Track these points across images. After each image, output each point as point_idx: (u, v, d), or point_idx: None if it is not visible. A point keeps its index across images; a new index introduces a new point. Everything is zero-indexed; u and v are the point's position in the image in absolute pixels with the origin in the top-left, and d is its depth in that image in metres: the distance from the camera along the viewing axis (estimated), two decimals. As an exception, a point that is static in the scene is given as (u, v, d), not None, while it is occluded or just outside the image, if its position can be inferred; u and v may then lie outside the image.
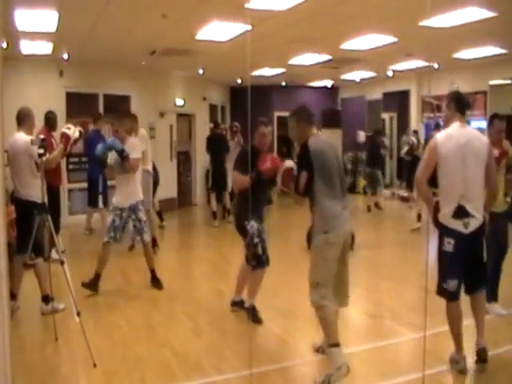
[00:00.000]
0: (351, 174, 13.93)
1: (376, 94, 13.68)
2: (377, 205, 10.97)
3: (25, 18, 6.13)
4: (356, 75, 12.20)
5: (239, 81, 12.51)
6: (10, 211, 4.95)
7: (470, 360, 3.56)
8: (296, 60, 9.75)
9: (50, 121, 6.43)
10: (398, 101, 13.30)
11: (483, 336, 3.58)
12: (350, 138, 14.36)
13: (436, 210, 3.53)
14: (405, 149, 9.66)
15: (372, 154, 11.07)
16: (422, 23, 6.48)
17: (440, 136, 3.53)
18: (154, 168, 7.33)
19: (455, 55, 9.29)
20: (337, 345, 3.39)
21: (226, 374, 3.57)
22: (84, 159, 8.71)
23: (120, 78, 10.15)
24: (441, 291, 3.50)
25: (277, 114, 13.71)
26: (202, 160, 12.39)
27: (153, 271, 5.58)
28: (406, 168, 9.91)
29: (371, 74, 11.95)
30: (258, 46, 7.95)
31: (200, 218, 11.52)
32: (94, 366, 3.62)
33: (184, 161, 12.10)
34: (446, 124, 3.63)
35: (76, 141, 4.95)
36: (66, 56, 8.63)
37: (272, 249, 4.61)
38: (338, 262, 3.49)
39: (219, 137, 9.84)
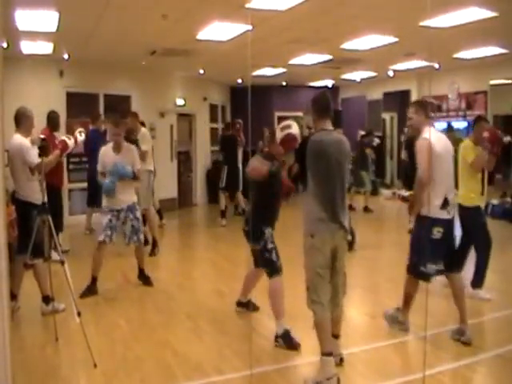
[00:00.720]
0: (350, 174, 13.85)
1: (376, 94, 13.67)
2: (366, 208, 10.72)
3: (25, 18, 6.14)
4: (356, 75, 12.19)
5: (240, 81, 12.49)
6: (11, 211, 4.95)
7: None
8: (296, 60, 9.74)
9: (53, 121, 6.41)
10: (399, 101, 13.26)
11: (466, 321, 3.92)
12: (351, 138, 14.26)
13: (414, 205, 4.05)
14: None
15: (358, 154, 10.80)
16: (422, 23, 6.49)
17: (432, 137, 3.84)
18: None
19: (455, 55, 9.28)
20: (329, 354, 3.30)
21: (227, 375, 3.57)
22: (84, 159, 8.71)
23: (120, 78, 10.16)
24: (416, 273, 4.04)
25: (277, 113, 13.67)
26: (202, 160, 12.41)
27: (142, 270, 5.69)
28: (403, 168, 9.81)
29: (372, 73, 11.94)
30: (258, 46, 7.95)
31: (200, 218, 11.52)
32: (95, 366, 3.63)
33: (184, 161, 12.09)
34: (417, 128, 4.06)
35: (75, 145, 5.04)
36: (66, 56, 8.63)
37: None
38: (330, 272, 3.37)
39: (232, 138, 9.95)
